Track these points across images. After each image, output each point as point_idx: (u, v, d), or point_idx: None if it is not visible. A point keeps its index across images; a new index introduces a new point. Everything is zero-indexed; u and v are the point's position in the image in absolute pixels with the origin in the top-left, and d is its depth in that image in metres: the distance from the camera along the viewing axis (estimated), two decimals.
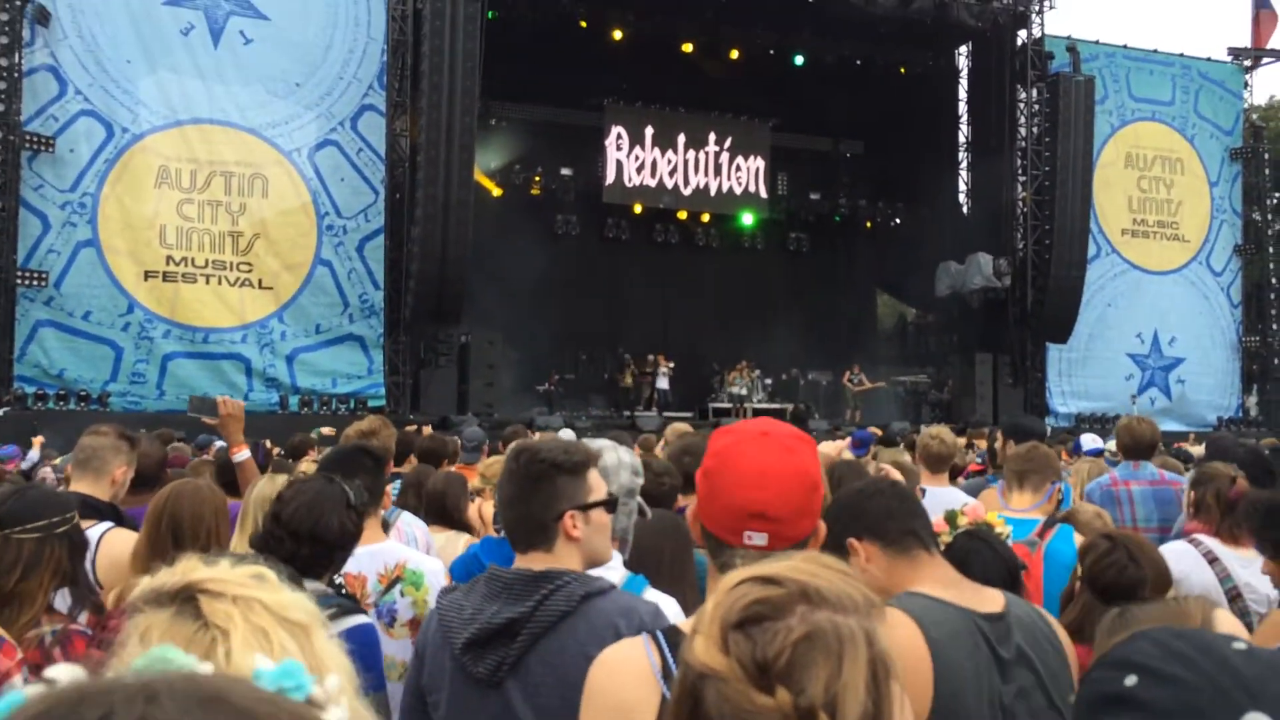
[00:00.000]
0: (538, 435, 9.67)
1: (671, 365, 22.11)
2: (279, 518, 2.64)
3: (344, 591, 2.80)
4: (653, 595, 2.32)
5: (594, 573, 2.16)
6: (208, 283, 18.26)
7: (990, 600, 2.08)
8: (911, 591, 2.02)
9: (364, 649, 2.54)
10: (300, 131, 18.91)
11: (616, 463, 2.72)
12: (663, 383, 21.92)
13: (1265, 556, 3.10)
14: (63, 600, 2.52)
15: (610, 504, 2.20)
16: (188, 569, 1.12)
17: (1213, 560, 3.66)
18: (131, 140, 17.87)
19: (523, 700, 2.00)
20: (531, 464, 2.17)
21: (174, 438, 8.41)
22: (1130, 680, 0.90)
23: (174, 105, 18.18)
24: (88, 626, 2.53)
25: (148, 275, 17.88)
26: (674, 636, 1.72)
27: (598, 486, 2.19)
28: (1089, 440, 7.39)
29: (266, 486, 3.57)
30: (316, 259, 18.86)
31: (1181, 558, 3.61)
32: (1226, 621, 2.57)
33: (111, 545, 3.38)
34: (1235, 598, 3.60)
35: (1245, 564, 3.68)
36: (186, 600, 1.08)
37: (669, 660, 1.67)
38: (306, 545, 2.59)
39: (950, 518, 2.72)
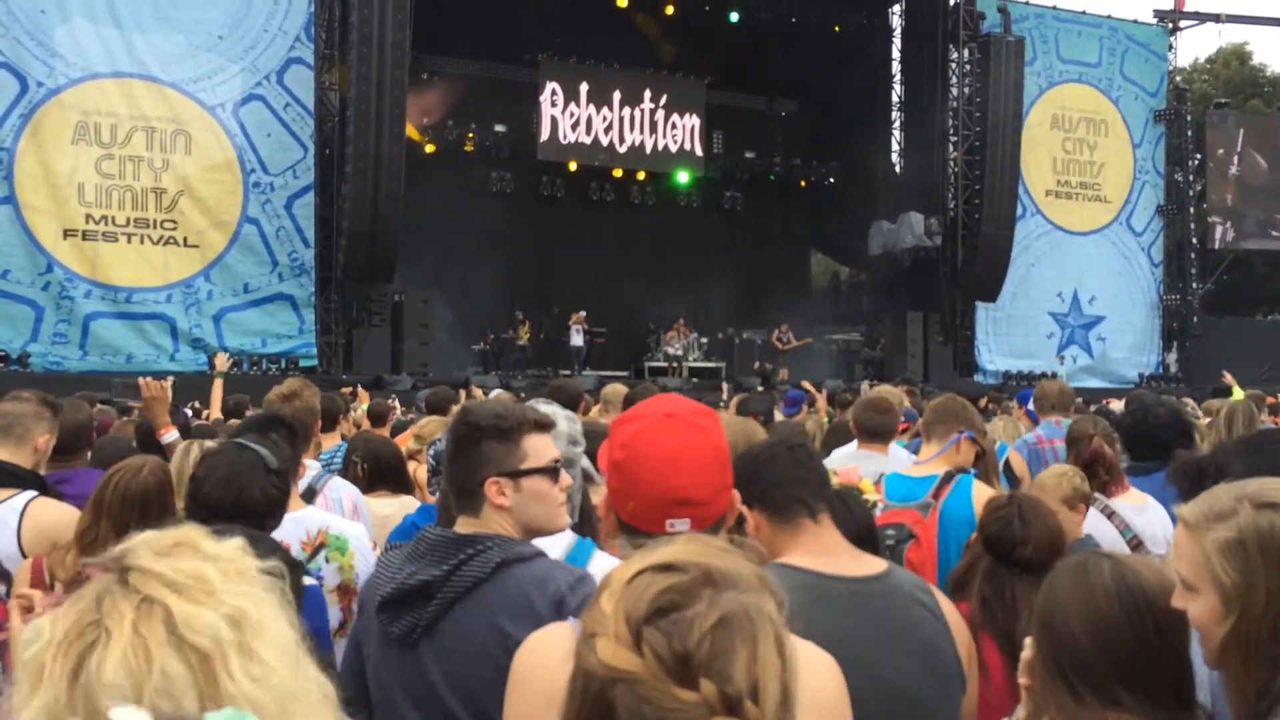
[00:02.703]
0: (479, 394, 9.62)
1: (583, 316, 21.58)
2: (197, 496, 2.56)
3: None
4: (602, 560, 2.24)
5: (540, 541, 2.09)
6: (129, 241, 17.77)
7: (867, 565, 2.08)
8: (775, 563, 1.99)
9: (311, 611, 2.53)
10: (224, 86, 18.39)
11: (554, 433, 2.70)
12: (577, 339, 21.51)
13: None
14: None
15: (550, 471, 2.09)
16: (134, 545, 1.07)
17: (1110, 514, 3.77)
18: (47, 95, 17.23)
19: (434, 664, 1.97)
20: (458, 426, 2.11)
21: (97, 400, 8.19)
22: None
23: (90, 57, 17.54)
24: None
25: (67, 234, 17.34)
26: None
27: (536, 453, 2.07)
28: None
29: (183, 459, 3.52)
30: (243, 217, 18.43)
31: (1088, 517, 3.72)
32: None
33: (38, 514, 3.30)
34: (1136, 546, 3.72)
35: (1138, 511, 3.81)
36: (119, 578, 1.05)
37: None
38: (234, 519, 2.48)
39: None
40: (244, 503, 2.56)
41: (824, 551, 2.05)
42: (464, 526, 2.08)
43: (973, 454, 3.90)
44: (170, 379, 4.85)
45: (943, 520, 3.50)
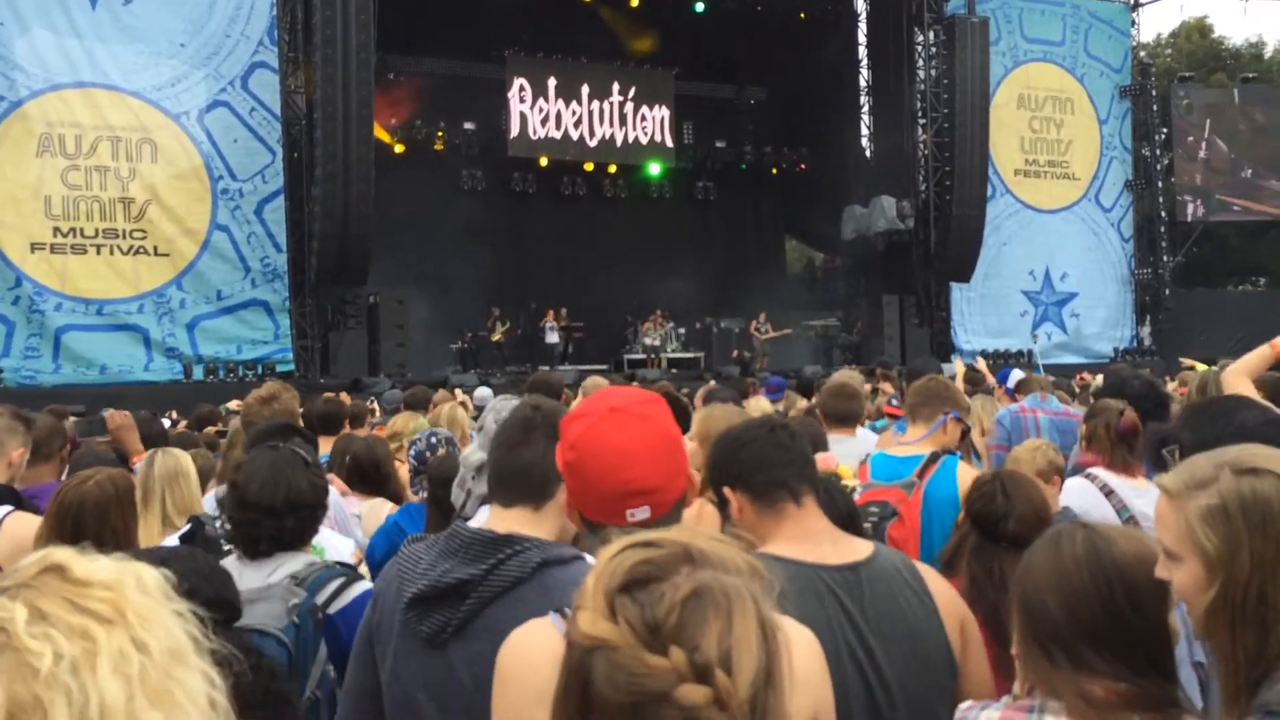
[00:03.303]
0: (459, 394, 9.59)
1: (560, 312, 21.57)
2: (244, 501, 2.51)
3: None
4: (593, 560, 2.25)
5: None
6: (99, 253, 17.61)
7: (850, 551, 2.06)
8: (756, 553, 1.97)
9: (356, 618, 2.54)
10: (188, 94, 18.22)
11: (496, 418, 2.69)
12: (552, 337, 21.48)
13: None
14: None
15: None
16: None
17: (1109, 493, 3.79)
18: (9, 108, 17.03)
19: (464, 666, 1.90)
20: (549, 417, 2.03)
21: (68, 413, 8.09)
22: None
23: (52, 68, 17.35)
24: None
25: (35, 247, 17.16)
26: None
27: None
28: (1014, 376, 7.63)
29: (148, 467, 3.49)
30: (213, 224, 18.30)
31: (1082, 493, 3.72)
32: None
33: (13, 529, 3.27)
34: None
35: (1139, 494, 3.82)
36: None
37: None
38: (287, 516, 2.50)
39: None
40: (294, 497, 2.53)
41: (807, 538, 2.04)
42: (512, 519, 2.00)
43: (958, 434, 3.93)
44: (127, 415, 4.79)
45: (926, 500, 3.51)
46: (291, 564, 2.52)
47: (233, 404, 10.04)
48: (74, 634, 0.96)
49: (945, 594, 2.12)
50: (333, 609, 2.47)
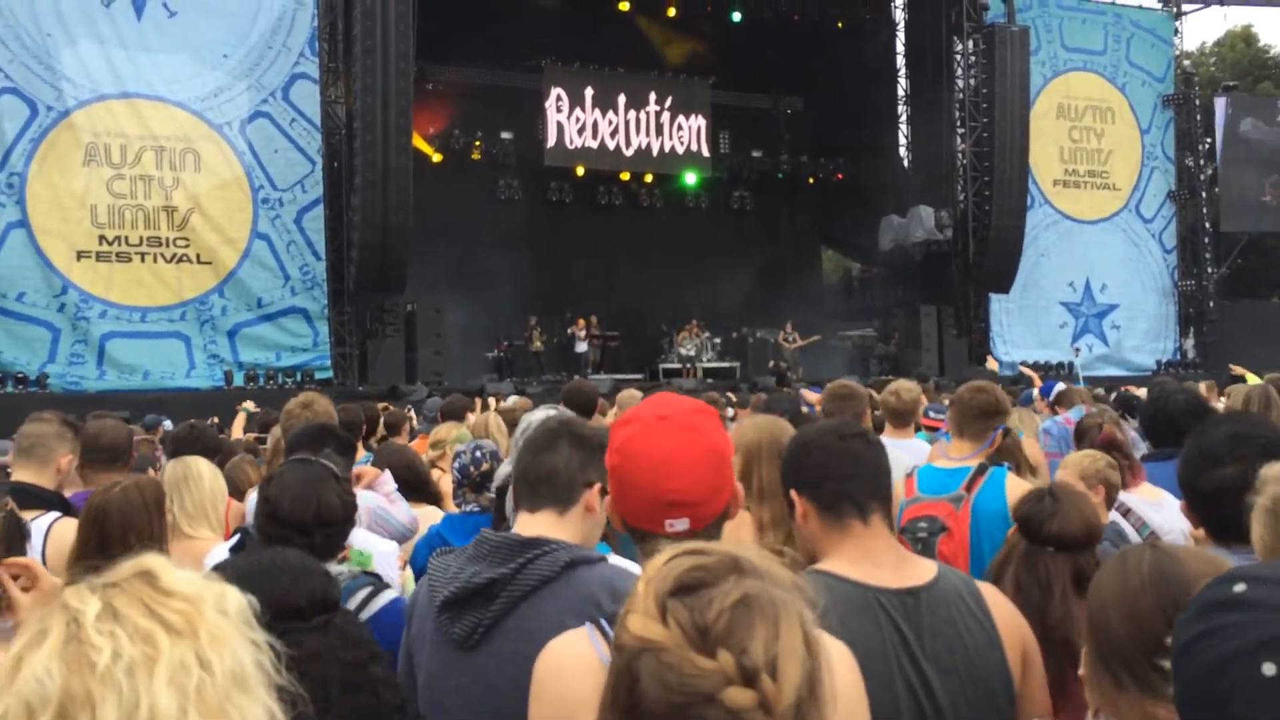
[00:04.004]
0: (493, 402, 9.64)
1: (591, 321, 21.49)
2: (276, 516, 2.55)
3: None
4: (617, 561, 2.26)
5: None
6: (143, 260, 17.87)
7: (912, 574, 1.99)
8: (814, 569, 1.95)
9: (391, 625, 2.55)
10: (230, 104, 18.47)
11: (526, 427, 2.73)
12: (580, 346, 21.42)
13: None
14: None
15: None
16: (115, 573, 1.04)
17: (1126, 511, 3.74)
18: (58, 118, 17.33)
19: (497, 666, 1.94)
20: (584, 428, 2.13)
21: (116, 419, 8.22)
22: (1240, 587, 1.02)
23: (97, 79, 17.65)
24: None
25: (80, 255, 17.44)
26: None
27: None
28: (1057, 389, 7.56)
29: (174, 469, 3.54)
30: (253, 233, 18.52)
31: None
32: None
33: (61, 536, 3.31)
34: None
35: (1155, 507, 3.77)
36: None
37: None
38: (317, 533, 2.53)
39: None
40: (324, 514, 2.56)
41: (868, 558, 1.97)
42: (539, 523, 2.04)
43: (1007, 448, 3.91)
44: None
45: (975, 513, 3.46)
46: None
47: (249, 404, 10.20)
48: (139, 637, 0.97)
49: (1008, 618, 2.06)
50: (363, 616, 2.51)
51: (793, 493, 2.05)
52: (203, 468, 3.71)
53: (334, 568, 2.62)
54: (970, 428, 3.88)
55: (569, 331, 21.60)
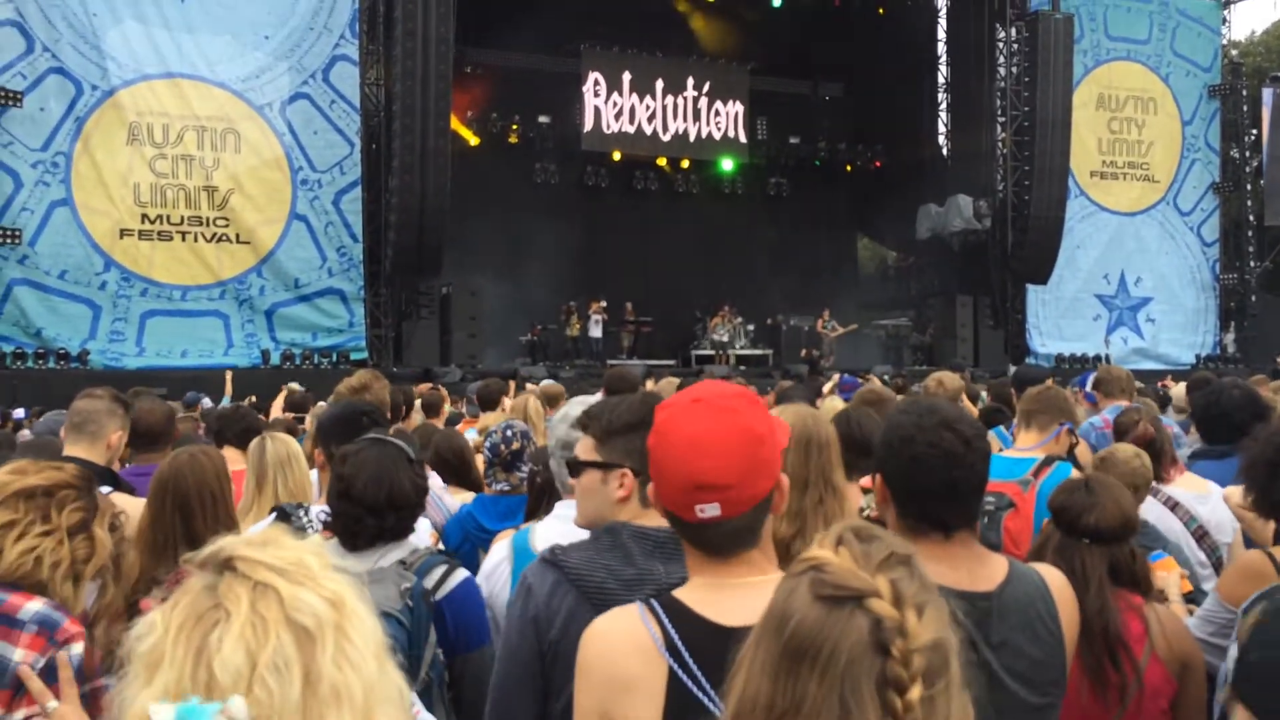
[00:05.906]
0: (528, 386, 9.67)
1: (603, 305, 21.20)
2: (350, 494, 2.56)
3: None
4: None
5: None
6: (184, 240, 18.07)
7: (987, 577, 1.95)
8: None
9: (477, 600, 2.60)
10: (271, 85, 18.61)
11: (562, 416, 2.73)
12: (595, 330, 21.22)
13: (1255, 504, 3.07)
14: None
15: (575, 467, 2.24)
16: (229, 542, 1.11)
17: (1174, 505, 3.72)
18: (102, 97, 17.54)
19: None
20: (649, 405, 2.14)
21: (154, 395, 8.34)
22: None
23: (142, 59, 17.83)
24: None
25: (123, 233, 17.68)
26: (673, 605, 1.64)
27: (585, 450, 2.21)
28: (1091, 379, 7.45)
29: (276, 447, 3.59)
30: (292, 214, 18.68)
31: (1149, 509, 3.66)
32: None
33: None
34: (1202, 536, 3.68)
35: (1201, 500, 3.75)
36: (221, 571, 1.09)
37: (671, 632, 1.60)
38: (389, 515, 2.56)
39: None
40: (396, 496, 2.58)
41: (945, 558, 1.90)
42: (644, 520, 2.06)
43: (1068, 445, 3.97)
44: None
45: (1040, 499, 3.49)
46: (397, 551, 2.59)
47: (294, 385, 10.29)
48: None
49: (1070, 614, 2.03)
50: (439, 595, 2.53)
51: (878, 476, 2.02)
52: (298, 448, 3.78)
53: (408, 544, 2.65)
54: (1035, 420, 3.97)
55: (588, 314, 21.25)
